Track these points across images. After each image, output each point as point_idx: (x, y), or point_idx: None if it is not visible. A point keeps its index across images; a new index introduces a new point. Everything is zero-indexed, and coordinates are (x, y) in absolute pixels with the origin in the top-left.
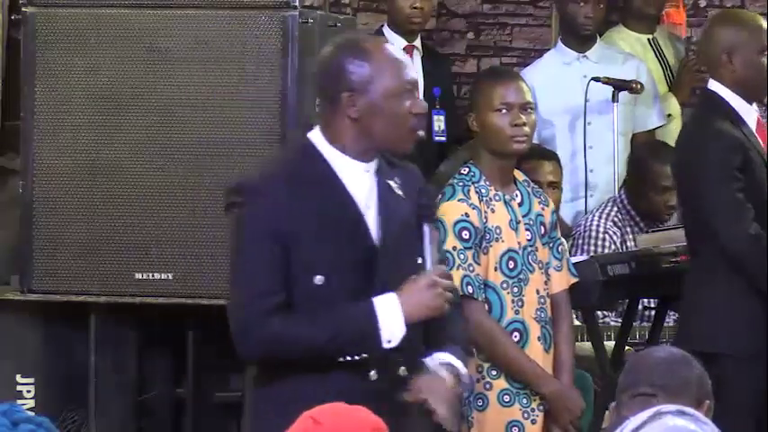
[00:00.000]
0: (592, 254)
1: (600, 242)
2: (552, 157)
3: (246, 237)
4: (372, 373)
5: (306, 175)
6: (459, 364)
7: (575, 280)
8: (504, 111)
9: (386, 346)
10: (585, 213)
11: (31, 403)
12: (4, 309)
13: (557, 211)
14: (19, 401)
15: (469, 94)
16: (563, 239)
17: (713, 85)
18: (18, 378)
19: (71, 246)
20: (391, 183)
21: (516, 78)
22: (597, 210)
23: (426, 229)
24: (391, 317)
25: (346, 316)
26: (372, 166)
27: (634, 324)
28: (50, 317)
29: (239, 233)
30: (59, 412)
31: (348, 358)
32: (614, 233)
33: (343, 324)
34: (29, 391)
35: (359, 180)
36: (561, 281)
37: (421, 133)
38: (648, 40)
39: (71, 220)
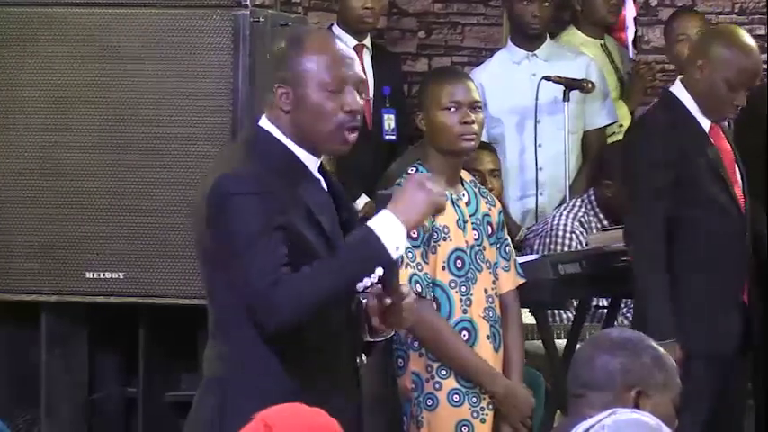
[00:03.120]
0: (558, 252)
1: (567, 241)
2: (488, 147)
3: (257, 220)
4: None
5: (281, 165)
6: None
7: (522, 281)
8: (452, 109)
9: (396, 254)
10: (536, 211)
11: None
12: None
13: (499, 199)
14: None
15: (418, 94)
16: (509, 239)
17: (676, 88)
18: None
19: (22, 245)
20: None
21: (464, 77)
22: (565, 208)
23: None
24: (390, 227)
25: (348, 246)
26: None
27: (586, 323)
28: (1, 316)
29: (250, 218)
30: (10, 412)
31: (369, 283)
32: (581, 233)
33: (348, 252)
34: None
35: (315, 171)
36: (509, 281)
37: (350, 136)
38: (601, 45)
39: (22, 219)
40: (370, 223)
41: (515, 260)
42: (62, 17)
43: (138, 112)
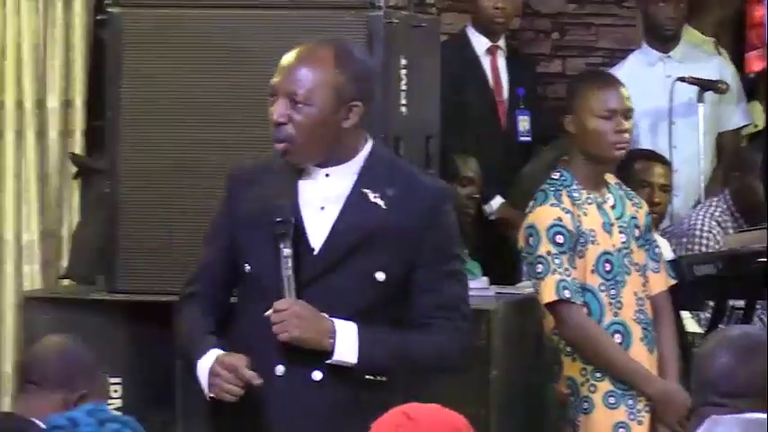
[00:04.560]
0: (696, 252)
1: (705, 241)
2: (664, 161)
3: (212, 219)
4: (279, 368)
5: (275, 167)
6: (350, 343)
7: (673, 282)
8: (608, 117)
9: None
10: (671, 213)
11: (119, 403)
12: (90, 309)
13: (665, 213)
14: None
15: (567, 95)
16: (657, 241)
17: None
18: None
19: (156, 245)
20: (368, 191)
21: (619, 84)
22: (701, 208)
23: (282, 248)
24: (203, 368)
25: (192, 338)
26: (335, 170)
27: (721, 325)
28: (136, 316)
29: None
30: (146, 412)
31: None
32: (718, 233)
33: (188, 344)
34: (116, 391)
35: (316, 181)
36: (660, 282)
37: (276, 145)
38: (714, 43)
39: (156, 220)
40: (208, 353)
41: (665, 261)
42: (194, 18)
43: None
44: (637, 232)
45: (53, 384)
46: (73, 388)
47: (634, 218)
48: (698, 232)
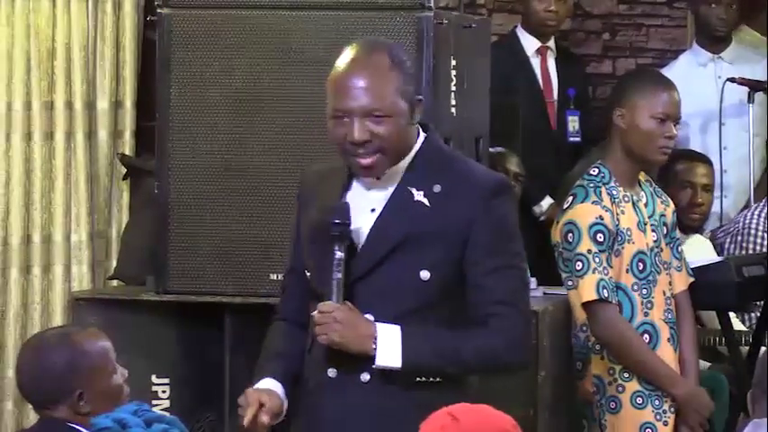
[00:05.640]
0: (750, 251)
1: (759, 240)
2: (707, 160)
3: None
4: (331, 370)
5: (336, 172)
6: (393, 342)
7: (692, 280)
8: (662, 120)
9: None
10: (720, 214)
11: (166, 403)
12: (140, 309)
13: (707, 213)
14: (154, 402)
15: (620, 89)
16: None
17: None
18: (153, 378)
19: (206, 246)
20: (414, 189)
21: (675, 90)
22: (756, 208)
23: (336, 250)
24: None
25: (260, 362)
26: (387, 175)
27: None
28: (185, 317)
29: None
30: (194, 412)
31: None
32: None
33: (257, 367)
34: (164, 392)
35: (369, 186)
36: (682, 281)
37: (361, 161)
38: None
39: (206, 221)
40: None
41: (685, 259)
42: (245, 19)
43: (320, 115)
44: (665, 230)
45: (51, 402)
46: (68, 394)
47: (663, 215)
48: (753, 231)
